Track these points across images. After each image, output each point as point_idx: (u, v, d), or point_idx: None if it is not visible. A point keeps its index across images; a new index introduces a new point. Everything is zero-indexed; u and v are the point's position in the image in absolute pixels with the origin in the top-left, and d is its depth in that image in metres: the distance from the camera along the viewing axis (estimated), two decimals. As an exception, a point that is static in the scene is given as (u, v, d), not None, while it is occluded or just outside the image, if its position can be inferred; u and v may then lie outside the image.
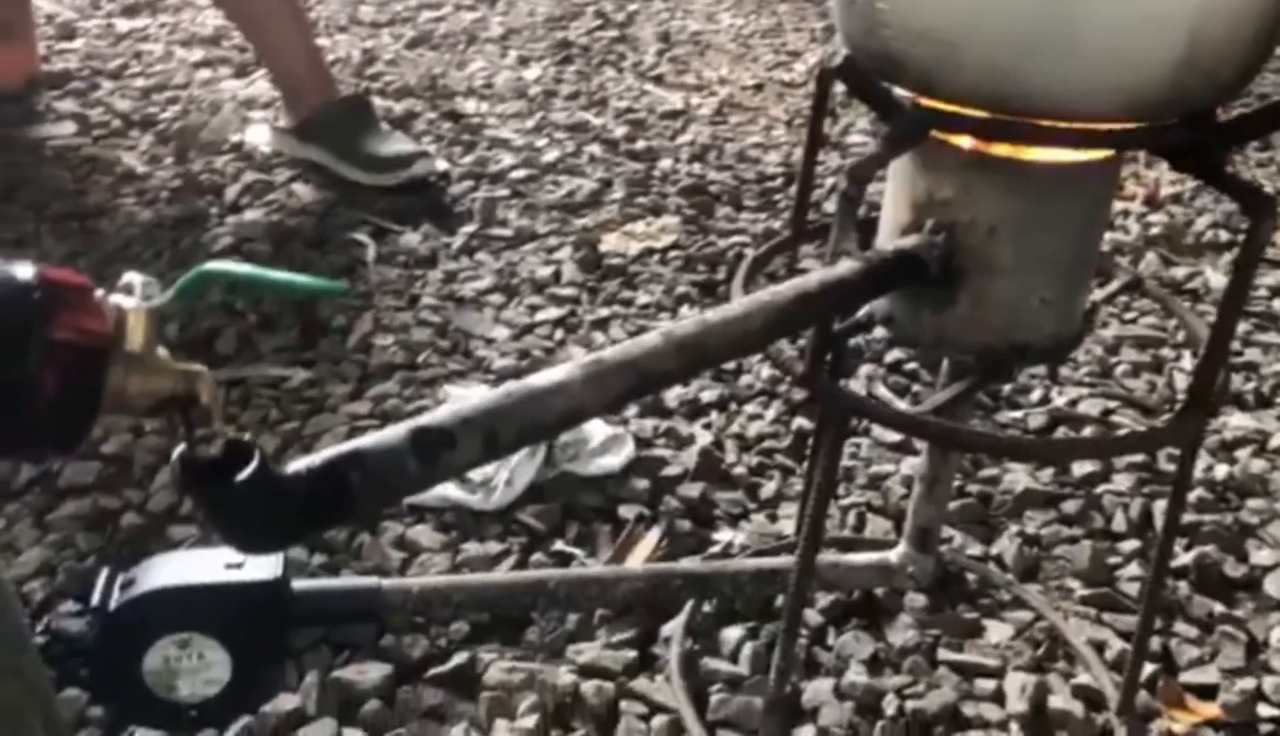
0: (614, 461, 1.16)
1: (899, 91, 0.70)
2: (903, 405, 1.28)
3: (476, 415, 0.48)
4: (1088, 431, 1.32)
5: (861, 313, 0.80)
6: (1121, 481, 1.24)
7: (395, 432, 0.47)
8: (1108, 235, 1.73)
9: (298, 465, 0.45)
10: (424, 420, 0.47)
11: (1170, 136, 0.66)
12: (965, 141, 0.70)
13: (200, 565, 0.77)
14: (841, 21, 0.71)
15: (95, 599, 0.78)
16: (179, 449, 0.44)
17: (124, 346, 0.43)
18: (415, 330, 1.43)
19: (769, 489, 1.20)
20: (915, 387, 1.37)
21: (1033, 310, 0.74)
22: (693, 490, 1.18)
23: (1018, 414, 1.35)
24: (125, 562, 0.81)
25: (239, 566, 0.76)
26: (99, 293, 0.44)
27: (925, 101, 0.68)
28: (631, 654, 0.97)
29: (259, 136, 1.86)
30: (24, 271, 0.41)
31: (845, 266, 0.67)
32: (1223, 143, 0.68)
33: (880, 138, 0.68)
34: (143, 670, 0.78)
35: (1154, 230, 1.79)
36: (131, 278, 0.47)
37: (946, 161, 0.71)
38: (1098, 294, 0.86)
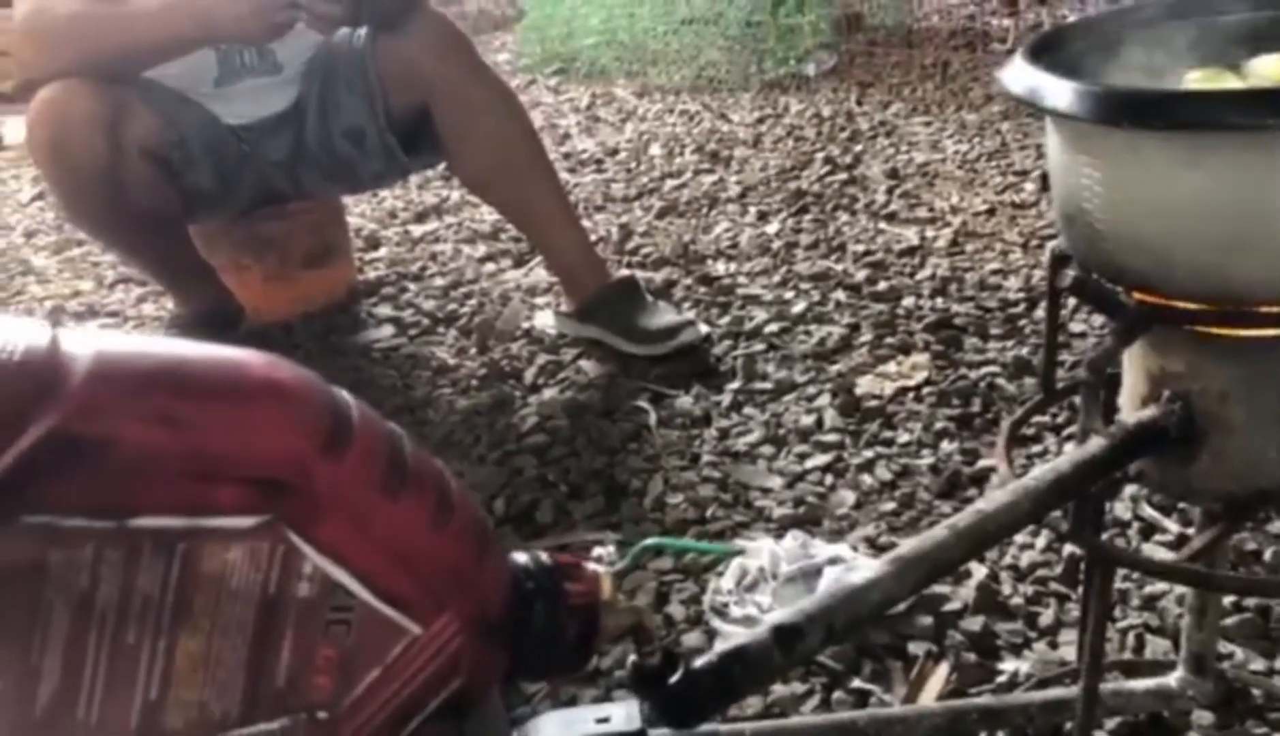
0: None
1: (1122, 292, 0.82)
2: (1171, 528, 1.35)
3: (817, 612, 0.64)
4: (1367, 537, 1.34)
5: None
6: None
7: (762, 632, 0.63)
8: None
9: (700, 663, 0.62)
10: (780, 619, 0.63)
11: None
12: (1187, 325, 0.81)
13: (576, 721, 0.96)
14: (1065, 235, 0.85)
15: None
16: (633, 657, 0.63)
17: (604, 599, 0.63)
18: (700, 487, 1.61)
19: (1047, 617, 1.29)
20: (1181, 505, 1.43)
21: (1270, 460, 0.83)
22: (974, 623, 1.28)
23: (1291, 523, 1.38)
24: (518, 721, 1.01)
25: (606, 720, 0.94)
26: (586, 564, 0.64)
27: (1145, 298, 0.80)
28: (933, 780, 1.09)
29: (545, 321, 2.13)
30: (545, 558, 0.61)
31: (1094, 444, 0.80)
32: None
33: (1111, 331, 0.81)
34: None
35: None
36: (600, 551, 0.66)
37: (1173, 341, 0.83)
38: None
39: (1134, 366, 0.87)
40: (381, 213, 2.86)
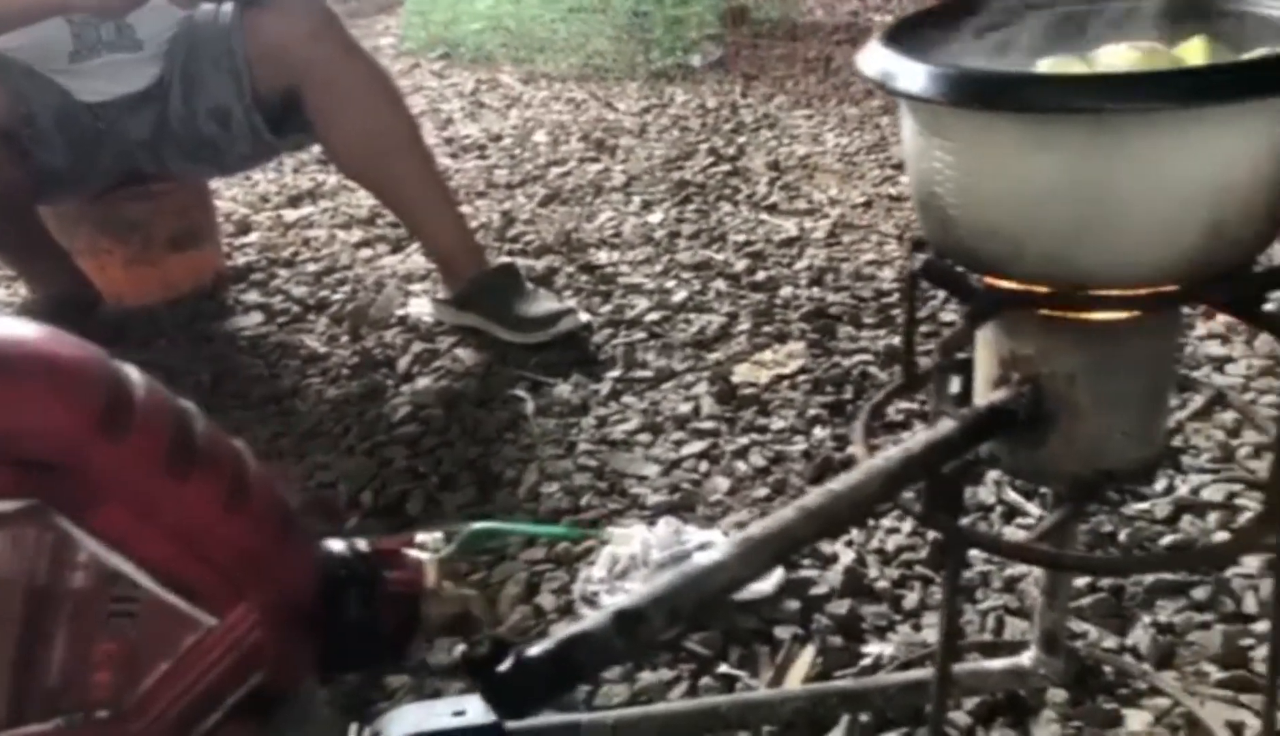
0: (766, 586, 1.29)
1: (974, 276, 0.83)
2: (1033, 511, 1.38)
3: (661, 596, 0.62)
4: (1212, 518, 1.39)
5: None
6: (1250, 563, 1.31)
7: (603, 616, 0.61)
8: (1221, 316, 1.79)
9: (538, 649, 0.60)
10: (623, 604, 0.62)
11: (1210, 292, 0.78)
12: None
13: (432, 714, 0.93)
14: (920, 220, 0.85)
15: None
16: (461, 648, 0.60)
17: (426, 587, 0.60)
18: (576, 475, 1.59)
19: (911, 599, 1.31)
20: (1043, 488, 1.46)
21: (1116, 442, 0.85)
22: (841, 607, 1.29)
23: (1144, 505, 1.43)
24: (369, 716, 0.97)
25: (463, 713, 0.92)
26: (408, 551, 0.61)
27: (996, 282, 0.81)
28: (798, 764, 1.09)
29: (421, 308, 2.09)
30: (363, 546, 0.58)
31: (945, 425, 0.80)
32: (1261, 289, 0.79)
33: (963, 316, 0.82)
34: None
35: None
36: (424, 537, 0.64)
37: (1023, 325, 0.84)
38: (1184, 413, 0.96)
39: (986, 350, 0.88)
40: (253, 197, 2.77)
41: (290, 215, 2.65)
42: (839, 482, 0.73)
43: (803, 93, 3.24)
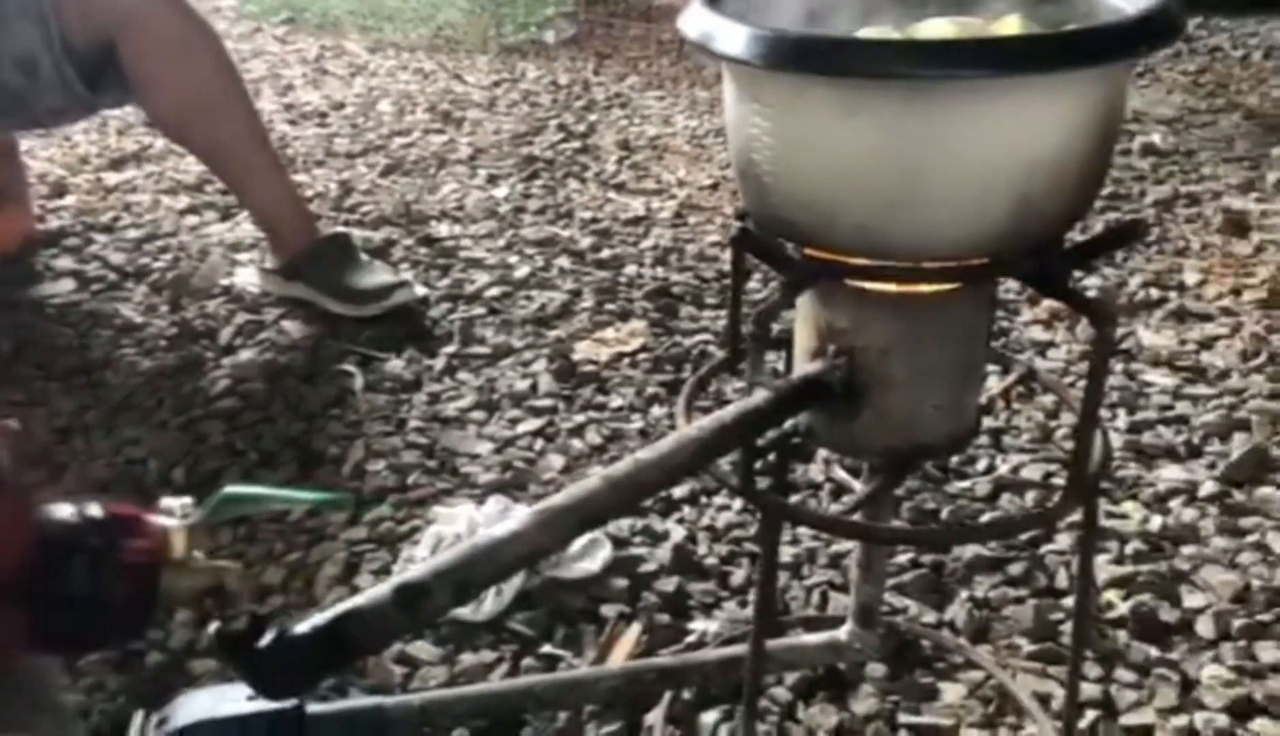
0: (593, 565, 1.27)
1: (790, 246, 0.82)
2: (859, 487, 1.39)
3: (448, 568, 0.59)
4: (1030, 496, 1.43)
5: (788, 425, 0.91)
6: (1063, 541, 1.35)
7: (382, 590, 0.57)
8: (1045, 302, 1.85)
9: (305, 625, 0.56)
10: (405, 577, 0.58)
11: (1019, 266, 0.78)
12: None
13: (224, 699, 0.87)
14: (741, 190, 0.83)
15: (134, 737, 0.88)
16: (215, 624, 0.55)
17: (170, 558, 0.55)
18: (404, 453, 1.54)
19: (739, 576, 1.31)
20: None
21: (928, 415, 0.85)
22: (668, 584, 1.28)
23: (966, 484, 1.46)
24: (156, 702, 0.91)
25: (257, 697, 0.86)
26: (150, 517, 0.56)
27: (812, 253, 0.80)
28: (618, 744, 1.07)
29: (247, 278, 1.99)
30: (95, 510, 0.52)
31: (759, 397, 0.79)
32: (1068, 265, 0.80)
33: (779, 285, 0.80)
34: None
35: (1090, 293, 1.91)
36: (170, 502, 0.58)
37: (839, 297, 0.83)
38: (996, 387, 0.97)
39: (804, 322, 0.87)
40: (73, 158, 2.60)
41: (112, 179, 2.49)
42: (648, 451, 0.70)
43: (655, 74, 3.22)
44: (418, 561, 1.30)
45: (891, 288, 0.82)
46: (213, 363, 1.76)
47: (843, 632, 1.06)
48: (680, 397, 0.94)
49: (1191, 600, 1.26)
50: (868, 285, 0.81)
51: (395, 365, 1.75)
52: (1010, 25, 0.85)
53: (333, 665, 0.55)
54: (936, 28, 0.85)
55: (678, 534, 1.37)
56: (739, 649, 1.07)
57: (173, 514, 0.57)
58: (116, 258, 2.10)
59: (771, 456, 1.00)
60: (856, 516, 0.86)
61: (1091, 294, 1.91)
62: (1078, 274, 1.95)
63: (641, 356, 1.78)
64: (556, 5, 3.70)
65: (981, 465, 1.50)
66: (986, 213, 0.74)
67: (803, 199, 0.77)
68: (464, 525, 1.32)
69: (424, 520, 1.40)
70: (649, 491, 0.70)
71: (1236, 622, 1.22)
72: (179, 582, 0.55)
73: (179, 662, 1.19)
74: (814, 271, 0.80)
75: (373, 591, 0.57)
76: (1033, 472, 1.48)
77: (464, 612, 1.21)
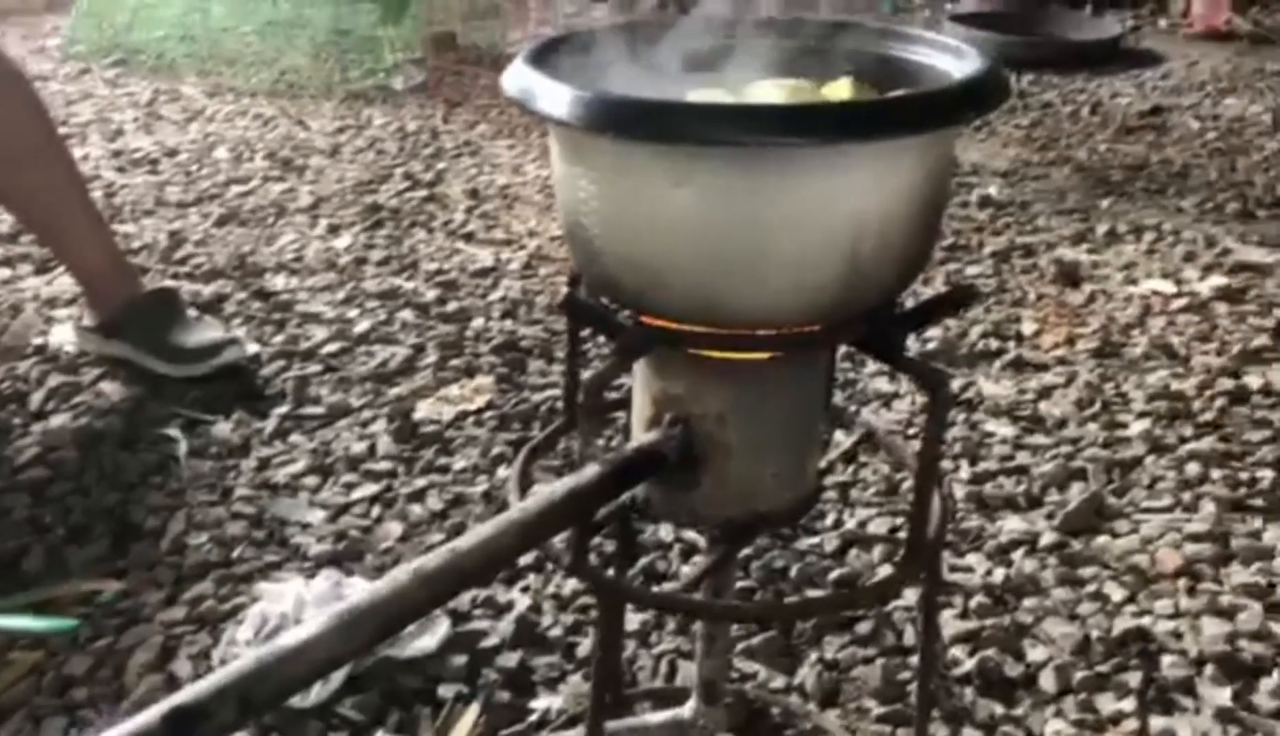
0: (430, 642, 1.20)
1: (623, 311, 0.78)
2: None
3: (231, 683, 0.53)
4: (878, 551, 1.43)
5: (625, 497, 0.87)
6: (910, 596, 1.34)
7: (152, 715, 0.51)
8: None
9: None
10: (179, 698, 0.52)
11: (852, 332, 0.77)
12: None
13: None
14: (571, 252, 0.80)
15: None
16: None
17: None
18: (229, 524, 1.44)
19: (586, 646, 1.26)
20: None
21: (767, 483, 0.82)
22: (510, 659, 1.22)
23: (814, 540, 1.45)
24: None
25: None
26: None
27: (646, 319, 0.77)
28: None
29: (63, 336, 1.86)
30: None
31: (591, 471, 0.75)
32: (900, 330, 0.79)
33: (611, 353, 0.77)
34: None
35: (931, 345, 1.95)
36: None
37: (674, 363, 0.80)
38: (834, 452, 0.96)
39: (640, 388, 0.83)
40: None
41: (-85, 228, 2.32)
42: (468, 538, 0.65)
43: (506, 122, 3.18)
44: (241, 644, 1.21)
45: (724, 354, 0.79)
46: (20, 429, 1.63)
47: (687, 709, 1.02)
48: (514, 468, 0.90)
49: (1034, 653, 1.27)
50: (702, 352, 0.78)
51: (223, 428, 1.65)
52: (841, 88, 0.84)
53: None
54: (768, 90, 0.83)
55: (522, 603, 1.31)
56: (578, 732, 1.02)
57: None
58: (-85, 314, 1.94)
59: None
60: (699, 592, 0.83)
61: (932, 344, 1.94)
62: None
63: (487, 414, 1.73)
64: (405, 51, 3.63)
65: (829, 520, 1.49)
66: (817, 279, 0.72)
67: (632, 264, 0.74)
68: (291, 602, 1.24)
69: (249, 597, 1.31)
70: (466, 584, 0.65)
71: (1077, 675, 1.23)
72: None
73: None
74: (645, 338, 0.76)
75: (141, 716, 0.50)
76: (880, 526, 1.47)
77: (290, 698, 1.12)
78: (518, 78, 0.75)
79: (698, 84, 0.84)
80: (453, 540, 1.37)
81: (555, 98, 0.71)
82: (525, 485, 0.90)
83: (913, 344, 1.96)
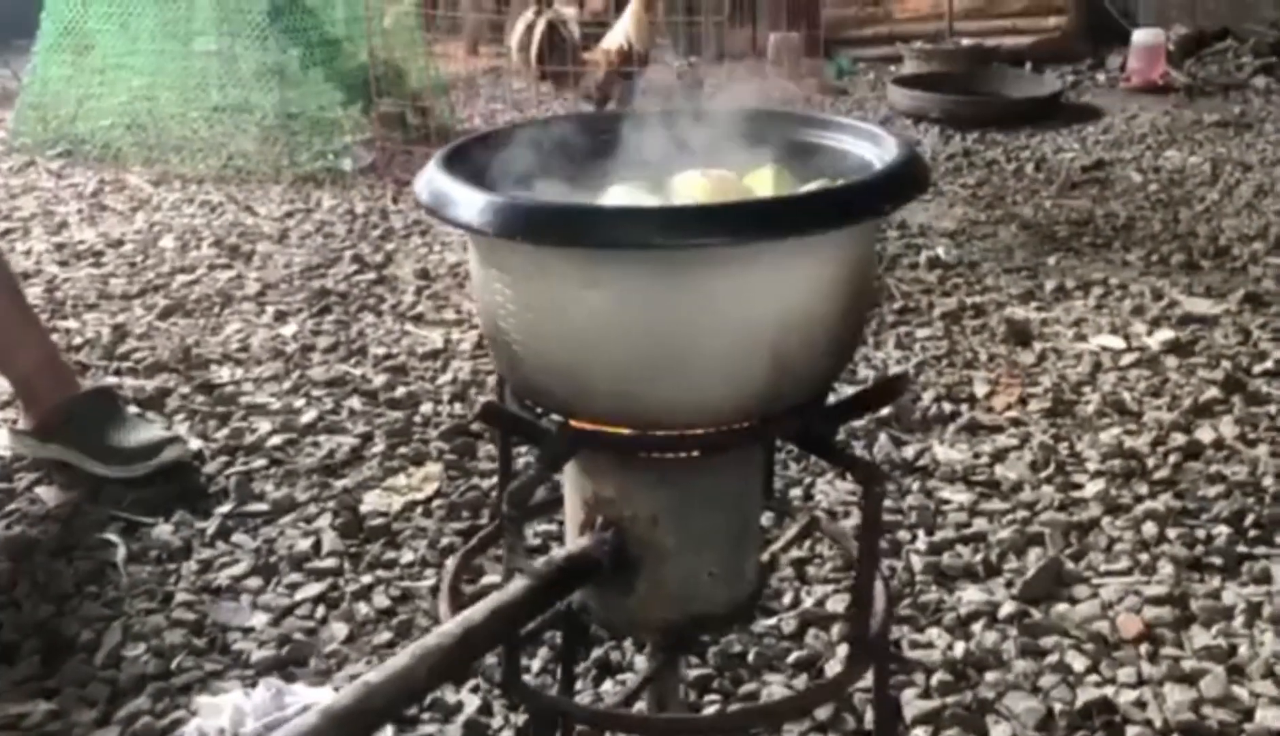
0: (374, 752, 1.15)
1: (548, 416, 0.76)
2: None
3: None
4: (835, 629, 1.40)
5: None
6: (869, 678, 1.31)
7: None
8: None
9: None
10: None
11: (782, 427, 0.75)
12: (613, 449, 0.77)
13: None
14: (492, 356, 0.77)
15: None
16: None
17: None
18: (168, 633, 1.39)
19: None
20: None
21: (705, 584, 0.80)
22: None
23: (771, 621, 1.42)
24: None
25: None
26: None
27: (572, 423, 0.75)
28: None
29: (-2, 441, 1.81)
30: None
31: (517, 586, 0.72)
32: (832, 423, 0.77)
33: (535, 459, 0.74)
34: None
35: (884, 410, 1.93)
36: None
37: (603, 465, 0.78)
38: (778, 543, 0.93)
39: (571, 492, 0.81)
40: None
41: None
42: (378, 672, 0.62)
43: (456, 199, 3.18)
44: (176, 764, 1.16)
45: (652, 455, 0.77)
46: (-51, 542, 1.57)
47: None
48: (444, 580, 0.87)
49: (998, 731, 1.24)
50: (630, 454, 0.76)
51: (163, 530, 1.60)
52: (763, 177, 0.83)
53: None
54: (689, 181, 0.82)
55: (471, 704, 1.27)
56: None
57: None
58: None
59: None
60: (642, 700, 0.80)
61: (886, 410, 1.93)
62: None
63: (435, 503, 1.69)
64: (353, 133, 3.64)
65: (787, 599, 1.46)
66: (742, 376, 0.70)
67: (552, 368, 0.72)
68: (229, 717, 1.19)
69: (187, 711, 1.26)
70: (385, 718, 0.62)
71: (1042, 752, 1.20)
72: None
73: None
74: (570, 444, 0.74)
75: None
76: (838, 604, 1.44)
77: (226, 823, 1.08)
78: (429, 183, 0.73)
79: (620, 179, 0.83)
80: (405, 636, 1.32)
81: (466, 204, 0.69)
82: (455, 598, 0.86)
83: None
